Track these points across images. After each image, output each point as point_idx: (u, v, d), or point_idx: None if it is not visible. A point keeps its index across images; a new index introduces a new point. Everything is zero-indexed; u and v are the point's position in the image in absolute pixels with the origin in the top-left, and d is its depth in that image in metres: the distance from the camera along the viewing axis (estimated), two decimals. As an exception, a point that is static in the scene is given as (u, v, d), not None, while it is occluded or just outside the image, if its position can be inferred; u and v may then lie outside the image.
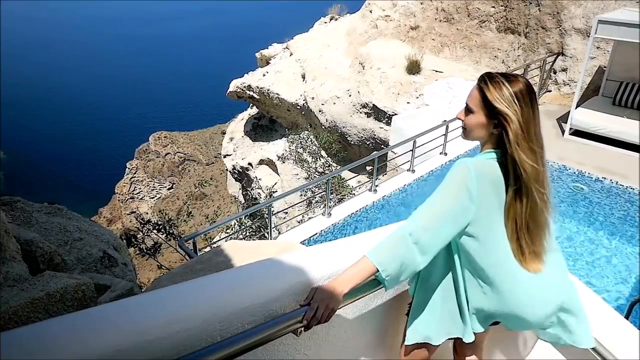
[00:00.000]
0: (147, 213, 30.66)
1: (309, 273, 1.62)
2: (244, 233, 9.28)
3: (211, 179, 35.04)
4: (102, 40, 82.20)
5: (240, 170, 16.01)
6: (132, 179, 37.85)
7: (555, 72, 9.61)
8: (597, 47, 8.75)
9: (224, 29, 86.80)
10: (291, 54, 15.60)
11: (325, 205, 6.13)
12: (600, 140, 7.46)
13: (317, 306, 1.48)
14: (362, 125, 11.53)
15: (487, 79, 1.59)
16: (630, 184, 6.44)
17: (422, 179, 6.90)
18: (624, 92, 7.82)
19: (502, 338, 2.24)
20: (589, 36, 7.60)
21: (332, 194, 8.92)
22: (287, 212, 10.20)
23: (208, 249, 6.92)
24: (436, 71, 10.84)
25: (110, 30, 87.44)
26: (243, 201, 16.44)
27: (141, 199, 37.08)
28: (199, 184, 33.31)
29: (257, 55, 18.75)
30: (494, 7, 10.79)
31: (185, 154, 40.76)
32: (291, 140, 12.91)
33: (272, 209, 5.79)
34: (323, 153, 12.36)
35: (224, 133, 21.83)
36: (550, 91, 9.70)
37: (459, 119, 1.70)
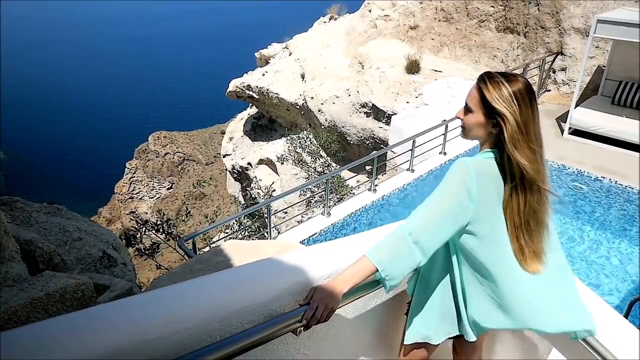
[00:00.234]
0: (146, 213, 30.68)
1: (308, 272, 1.62)
2: (244, 233, 9.29)
3: (210, 178, 35.02)
4: (102, 40, 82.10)
5: (240, 170, 16.01)
6: (132, 179, 37.81)
7: (554, 72, 9.62)
8: (596, 47, 8.76)
9: (223, 29, 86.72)
10: (290, 54, 15.60)
11: (324, 204, 6.13)
12: (599, 140, 7.47)
13: (316, 306, 1.48)
14: (362, 125, 11.53)
15: (486, 79, 1.59)
16: (629, 183, 6.45)
17: (422, 179, 6.90)
18: (623, 92, 7.82)
19: (502, 338, 2.24)
20: (588, 36, 7.60)
21: (331, 193, 8.92)
22: (286, 212, 10.20)
23: (207, 248, 6.92)
24: (435, 71, 10.85)
25: (110, 30, 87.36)
26: (242, 201, 16.45)
27: (140, 198, 37.05)
28: (198, 184, 33.31)
29: (257, 55, 18.75)
30: (493, 6, 10.80)
31: (184, 153, 40.72)
32: (290, 140, 12.91)
33: (272, 209, 5.79)
34: (322, 153, 12.37)
35: (224, 133, 21.81)
36: (549, 90, 9.70)
37: (458, 118, 1.70)
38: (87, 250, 4.47)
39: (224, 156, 17.95)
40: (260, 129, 17.12)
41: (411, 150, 6.70)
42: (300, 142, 12.64)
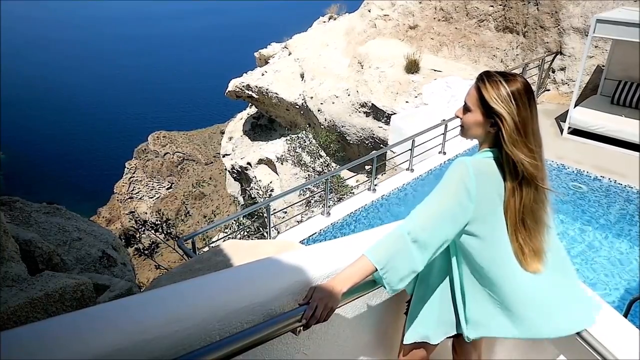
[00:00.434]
0: (145, 213, 30.67)
1: (307, 272, 1.63)
2: (243, 232, 9.29)
3: (210, 178, 35.04)
4: (102, 40, 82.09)
5: (239, 169, 16.00)
6: (131, 179, 37.80)
7: (553, 71, 9.62)
8: (596, 46, 8.76)
9: (223, 29, 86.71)
10: (290, 54, 15.60)
11: (324, 204, 6.13)
12: (598, 139, 7.47)
13: (316, 305, 1.48)
14: (361, 125, 11.53)
15: (485, 78, 1.59)
16: (628, 183, 6.45)
17: (421, 178, 6.90)
18: (623, 91, 7.82)
19: (502, 337, 2.24)
20: (587, 35, 7.60)
21: (331, 193, 8.92)
22: (286, 212, 10.19)
23: (207, 248, 6.92)
24: (435, 70, 10.85)
25: (110, 30, 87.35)
26: (242, 201, 16.45)
27: (140, 198, 37.05)
28: (197, 184, 33.32)
29: (256, 54, 18.75)
30: (492, 6, 10.80)
31: (184, 153, 40.70)
32: (290, 139, 12.92)
33: (271, 209, 5.79)
34: (322, 152, 12.37)
35: (223, 133, 21.82)
36: (548, 90, 9.70)
37: (458, 116, 1.71)
38: (87, 250, 4.47)
39: (223, 156, 17.96)
40: (259, 129, 17.12)
41: (410, 149, 6.70)
42: (299, 142, 12.65)
